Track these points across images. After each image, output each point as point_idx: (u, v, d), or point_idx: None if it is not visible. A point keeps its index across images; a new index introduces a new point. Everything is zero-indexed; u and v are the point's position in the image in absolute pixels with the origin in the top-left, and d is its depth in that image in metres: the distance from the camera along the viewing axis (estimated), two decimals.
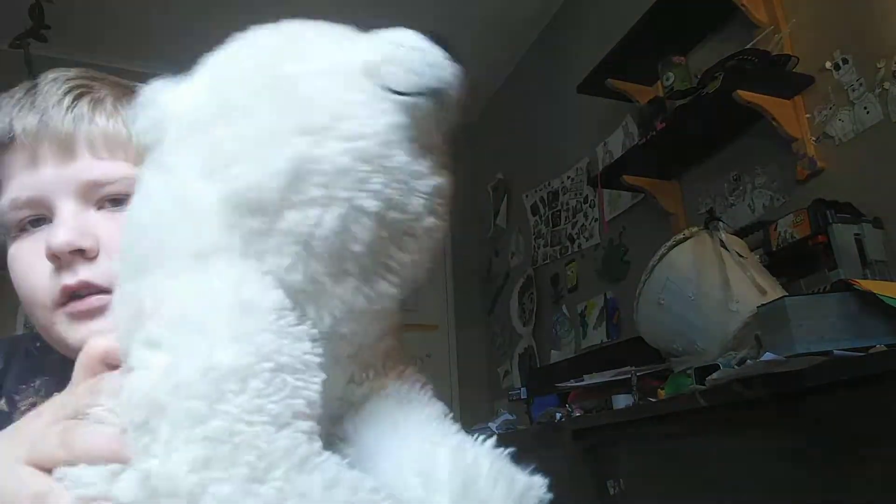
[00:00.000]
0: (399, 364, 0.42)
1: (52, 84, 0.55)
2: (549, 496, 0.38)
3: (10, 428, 0.39)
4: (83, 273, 0.50)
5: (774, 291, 1.39)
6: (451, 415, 0.42)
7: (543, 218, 3.19)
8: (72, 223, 0.51)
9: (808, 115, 1.75)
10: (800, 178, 1.75)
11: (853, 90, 1.63)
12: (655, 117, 2.10)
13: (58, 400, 0.38)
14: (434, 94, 0.34)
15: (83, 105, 0.54)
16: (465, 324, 3.68)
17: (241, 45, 0.38)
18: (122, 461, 0.32)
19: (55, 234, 0.50)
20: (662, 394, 1.46)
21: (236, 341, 0.31)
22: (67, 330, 0.51)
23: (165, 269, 0.34)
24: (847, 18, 1.68)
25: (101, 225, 0.52)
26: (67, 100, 0.54)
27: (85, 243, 0.50)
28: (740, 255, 1.48)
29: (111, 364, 0.37)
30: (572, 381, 1.88)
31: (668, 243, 1.55)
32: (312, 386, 0.32)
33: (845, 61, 1.66)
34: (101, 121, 0.54)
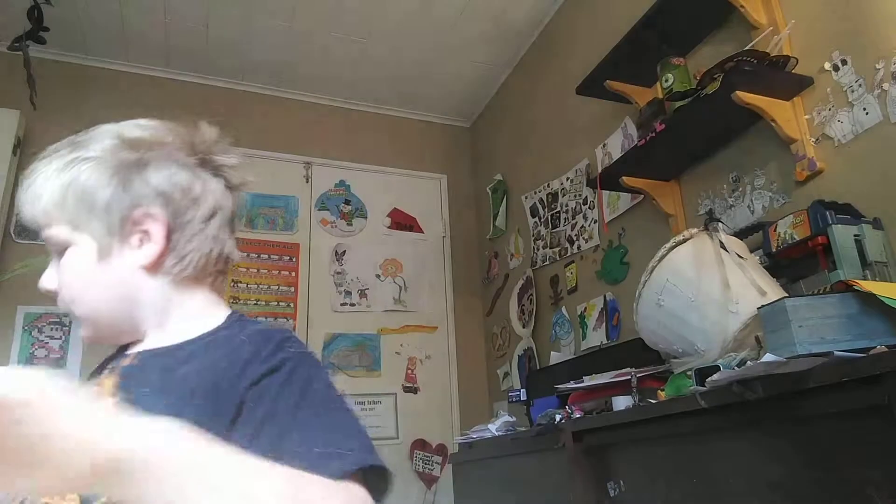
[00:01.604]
0: None
1: (32, 168, 0.73)
2: None
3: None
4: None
5: (774, 292, 1.39)
6: None
7: (543, 219, 3.18)
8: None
9: (807, 116, 1.75)
10: (799, 179, 1.75)
11: (852, 91, 1.64)
12: (654, 118, 2.10)
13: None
14: None
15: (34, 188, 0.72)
16: (464, 325, 3.67)
17: None
18: None
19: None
20: (663, 395, 1.46)
21: None
22: None
23: None
24: (846, 19, 1.68)
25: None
26: (26, 184, 0.72)
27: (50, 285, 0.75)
28: (740, 257, 1.48)
29: None
30: (572, 382, 1.87)
31: (668, 245, 1.55)
32: None
33: (844, 62, 1.66)
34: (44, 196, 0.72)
